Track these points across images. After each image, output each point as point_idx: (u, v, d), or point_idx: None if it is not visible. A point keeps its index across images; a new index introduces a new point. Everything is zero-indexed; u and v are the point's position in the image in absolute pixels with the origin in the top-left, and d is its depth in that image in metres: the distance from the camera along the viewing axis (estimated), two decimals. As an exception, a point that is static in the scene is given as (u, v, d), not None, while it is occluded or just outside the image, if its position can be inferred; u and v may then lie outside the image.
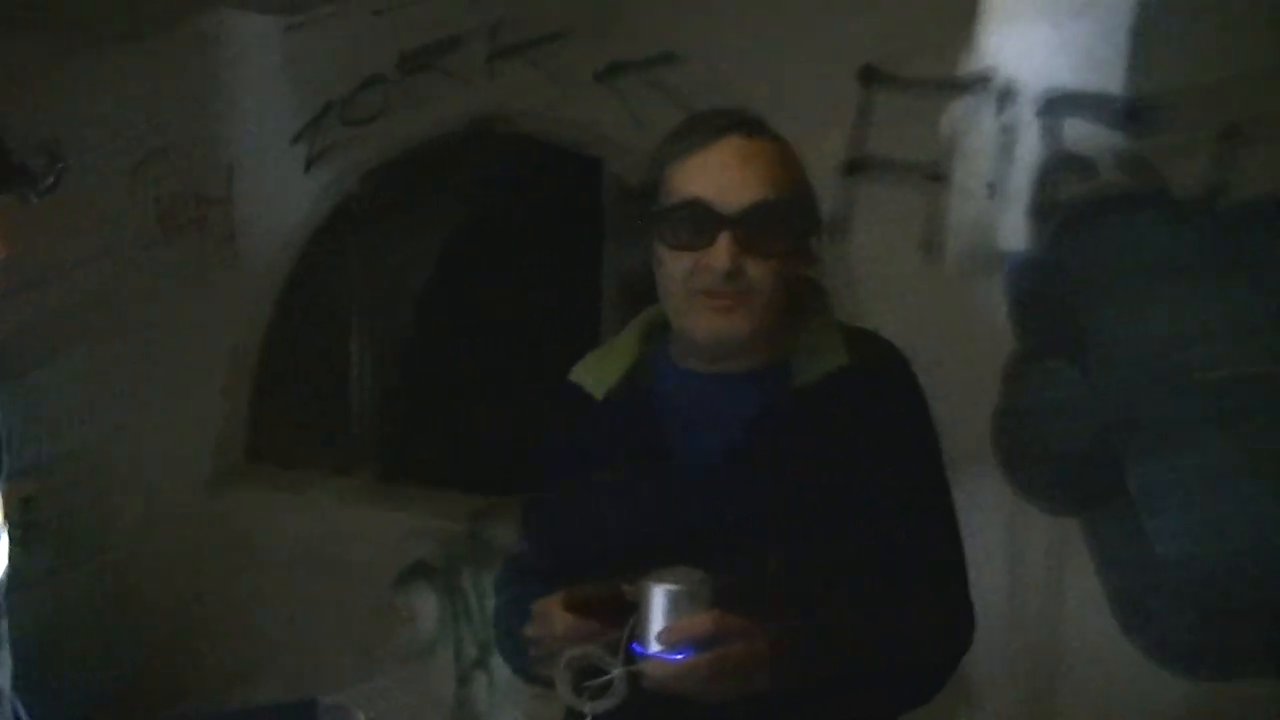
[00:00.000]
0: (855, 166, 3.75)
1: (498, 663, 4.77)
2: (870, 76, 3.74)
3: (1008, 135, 3.49)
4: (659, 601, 1.77)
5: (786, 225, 1.99)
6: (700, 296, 1.98)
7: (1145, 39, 3.24)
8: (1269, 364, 3.10)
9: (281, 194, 5.55)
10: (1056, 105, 3.40)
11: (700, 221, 1.95)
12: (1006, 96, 3.49)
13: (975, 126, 3.55)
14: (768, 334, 2.03)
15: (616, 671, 1.79)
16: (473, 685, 4.91)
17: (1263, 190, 3.09)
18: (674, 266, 2.00)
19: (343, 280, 5.43)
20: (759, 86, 3.82)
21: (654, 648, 1.76)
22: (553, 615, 1.88)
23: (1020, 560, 3.46)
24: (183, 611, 6.01)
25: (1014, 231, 3.48)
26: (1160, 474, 3.25)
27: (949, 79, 3.60)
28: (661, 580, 1.77)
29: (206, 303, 5.90)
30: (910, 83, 3.67)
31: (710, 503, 2.01)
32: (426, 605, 5.08)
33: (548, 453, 2.25)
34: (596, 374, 2.18)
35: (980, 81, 3.54)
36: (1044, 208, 3.43)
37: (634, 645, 1.79)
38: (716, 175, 1.96)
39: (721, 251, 1.94)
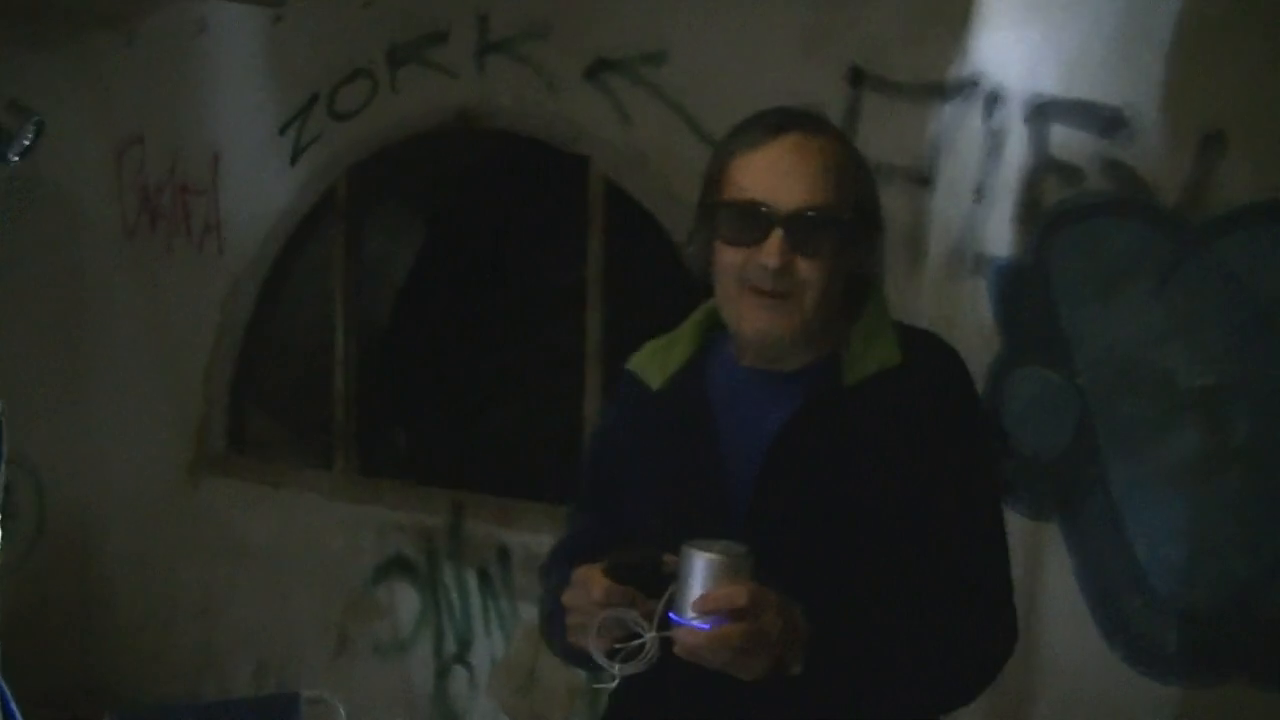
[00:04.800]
0: (841, 168, 3.76)
1: (477, 657, 4.78)
2: (858, 78, 3.75)
3: (995, 140, 3.50)
4: (699, 569, 1.76)
5: (838, 226, 1.99)
6: (750, 292, 1.99)
7: (1131, 47, 3.26)
8: (1249, 368, 3.12)
9: (266, 184, 5.53)
10: (1043, 111, 3.42)
11: (753, 219, 1.96)
12: (994, 101, 3.50)
13: (962, 130, 3.56)
14: (818, 332, 2.04)
15: (649, 635, 1.79)
16: (452, 679, 4.91)
17: (1245, 197, 3.11)
18: (727, 260, 2.01)
19: (326, 272, 5.42)
20: (746, 85, 3.82)
21: (689, 615, 1.76)
22: (592, 581, 1.86)
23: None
24: (159, 599, 6.01)
25: (999, 235, 3.50)
26: (1141, 476, 3.27)
27: (937, 82, 3.61)
28: (704, 549, 1.77)
29: (189, 292, 5.89)
30: (898, 85, 3.68)
31: (756, 494, 2.02)
32: (406, 599, 5.08)
33: (602, 438, 2.29)
34: (654, 365, 2.20)
35: (968, 86, 3.55)
36: (1029, 212, 3.45)
37: (670, 614, 1.78)
38: (772, 173, 1.97)
39: (772, 249, 1.95)
